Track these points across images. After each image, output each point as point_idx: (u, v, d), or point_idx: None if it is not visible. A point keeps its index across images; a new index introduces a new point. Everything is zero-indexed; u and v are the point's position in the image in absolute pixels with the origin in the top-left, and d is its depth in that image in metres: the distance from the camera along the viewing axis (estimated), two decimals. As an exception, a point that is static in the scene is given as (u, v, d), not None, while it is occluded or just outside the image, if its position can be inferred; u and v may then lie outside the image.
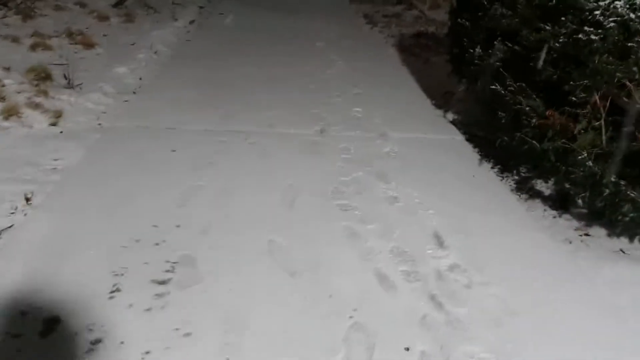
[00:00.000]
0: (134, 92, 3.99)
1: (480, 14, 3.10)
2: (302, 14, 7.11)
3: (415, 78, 4.71)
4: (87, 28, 5.38)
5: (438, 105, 4.07)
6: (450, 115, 3.86)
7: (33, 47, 4.55)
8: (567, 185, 2.53)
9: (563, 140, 2.37)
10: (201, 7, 7.25)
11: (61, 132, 3.20)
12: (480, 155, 3.24)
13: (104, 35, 5.25)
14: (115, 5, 6.54)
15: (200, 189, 2.59)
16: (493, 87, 2.80)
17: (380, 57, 5.36)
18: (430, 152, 3.23)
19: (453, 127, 3.68)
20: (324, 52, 5.39)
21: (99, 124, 3.38)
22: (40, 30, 4.99)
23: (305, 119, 3.60)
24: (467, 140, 3.47)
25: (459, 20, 3.47)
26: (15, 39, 4.67)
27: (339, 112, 3.78)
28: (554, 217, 2.54)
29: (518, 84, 2.67)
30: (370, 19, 6.89)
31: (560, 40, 2.31)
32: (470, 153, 3.27)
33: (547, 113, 2.39)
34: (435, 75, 4.69)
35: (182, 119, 3.46)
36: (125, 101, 3.80)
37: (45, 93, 3.60)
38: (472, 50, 3.22)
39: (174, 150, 3.01)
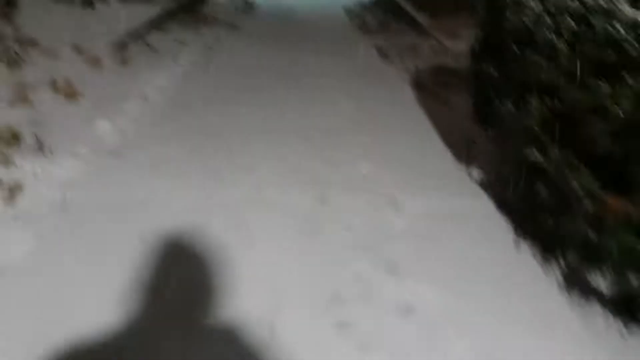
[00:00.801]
0: (113, 153, 3.53)
1: (509, 60, 2.53)
2: (313, 51, 6.62)
3: (433, 123, 4.14)
4: (75, 76, 5.00)
5: (459, 158, 3.48)
6: (475, 172, 3.26)
7: (11, 103, 4.17)
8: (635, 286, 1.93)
9: (631, 237, 1.76)
10: (209, 48, 6.84)
11: (14, 215, 2.73)
12: (515, 230, 2.62)
13: (92, 84, 4.84)
14: (119, 50, 6.18)
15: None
16: (531, 155, 2.21)
17: (393, 98, 4.82)
18: (454, 228, 2.63)
19: (479, 189, 3.08)
20: (331, 93, 4.88)
21: (63, 199, 2.90)
22: (24, 80, 4.63)
23: (301, 182, 3.06)
24: (497, 207, 2.86)
25: (482, 64, 2.90)
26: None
27: (342, 171, 3.24)
28: (621, 335, 1.90)
29: (564, 153, 2.08)
30: (383, 52, 6.38)
31: (624, 104, 1.72)
32: (503, 228, 2.65)
33: (608, 201, 1.79)
34: (456, 119, 4.12)
35: (159, 188, 2.97)
36: (100, 166, 3.32)
37: (7, 161, 3.17)
38: (499, 102, 2.65)
39: (141, 239, 2.48)
